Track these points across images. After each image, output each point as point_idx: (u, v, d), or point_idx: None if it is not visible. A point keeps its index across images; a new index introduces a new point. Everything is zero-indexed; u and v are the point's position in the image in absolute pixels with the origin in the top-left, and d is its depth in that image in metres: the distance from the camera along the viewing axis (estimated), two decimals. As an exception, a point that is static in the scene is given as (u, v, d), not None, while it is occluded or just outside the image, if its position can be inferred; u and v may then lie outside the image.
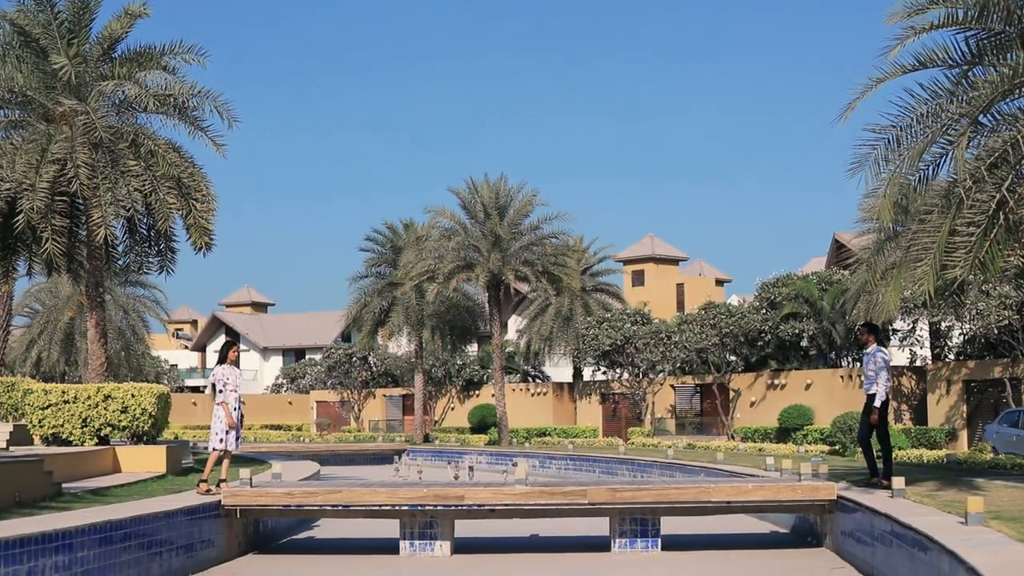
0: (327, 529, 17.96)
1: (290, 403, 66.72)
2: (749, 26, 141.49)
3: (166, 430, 42.30)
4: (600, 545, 15.07)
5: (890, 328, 39.19)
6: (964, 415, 35.92)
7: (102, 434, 20.24)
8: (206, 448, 28.56)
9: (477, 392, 56.25)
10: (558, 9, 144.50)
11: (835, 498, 14.32)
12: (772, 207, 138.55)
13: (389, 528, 15.43)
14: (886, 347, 40.18)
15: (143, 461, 19.72)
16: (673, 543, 15.05)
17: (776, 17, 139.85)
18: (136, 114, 23.75)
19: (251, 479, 15.14)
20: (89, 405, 20.15)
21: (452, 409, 57.31)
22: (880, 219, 13.73)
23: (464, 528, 15.81)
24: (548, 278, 43.96)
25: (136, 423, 20.29)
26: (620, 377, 48.63)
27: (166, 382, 65.61)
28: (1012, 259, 13.83)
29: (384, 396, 61.67)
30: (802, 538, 16.01)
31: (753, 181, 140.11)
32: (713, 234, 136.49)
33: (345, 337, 69.53)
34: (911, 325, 38.94)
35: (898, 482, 13.34)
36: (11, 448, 19.98)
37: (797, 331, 41.92)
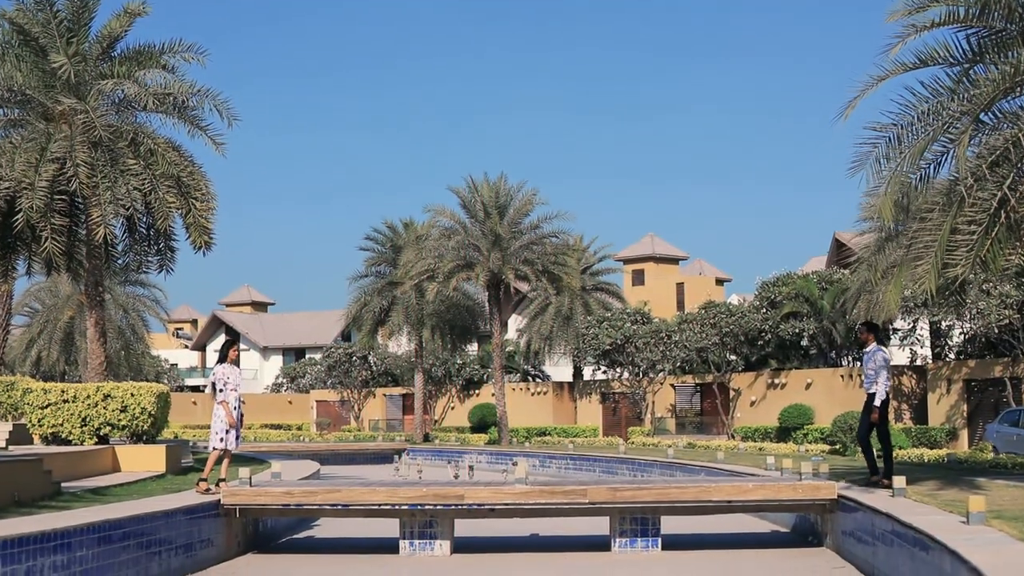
0: (327, 528, 17.92)
1: (290, 402, 66.70)
2: (749, 26, 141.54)
3: (166, 429, 42.31)
4: (600, 544, 15.04)
5: (890, 327, 39.16)
6: (964, 414, 35.88)
7: (101, 433, 20.22)
8: (206, 447, 28.54)
9: (477, 391, 56.22)
10: (558, 9, 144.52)
11: (836, 497, 14.29)
12: (772, 207, 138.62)
13: (389, 527, 15.40)
14: (886, 346, 40.23)
15: (142, 460, 19.70)
16: (673, 542, 15.02)
17: (776, 17, 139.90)
18: (135, 113, 23.72)
19: (250, 478, 15.10)
20: (88, 404, 20.13)
21: (452, 408, 57.29)
22: (881, 217, 13.69)
23: (464, 527, 15.78)
24: (548, 277, 43.92)
25: (135, 422, 20.27)
26: (620, 376, 48.60)
27: (166, 381, 65.57)
28: (1013, 258, 13.79)
29: (384, 395, 61.65)
30: (803, 537, 15.98)
31: (753, 181, 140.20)
32: (713, 233, 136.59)
33: (345, 336, 69.52)
34: (911, 324, 38.91)
35: (899, 481, 13.31)
36: (10, 447, 19.97)
37: (797, 330, 41.89)
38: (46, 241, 21.72)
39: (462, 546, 15.18)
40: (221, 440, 14.73)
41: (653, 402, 47.63)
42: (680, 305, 64.83)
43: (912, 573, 10.55)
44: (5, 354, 43.54)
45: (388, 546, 15.07)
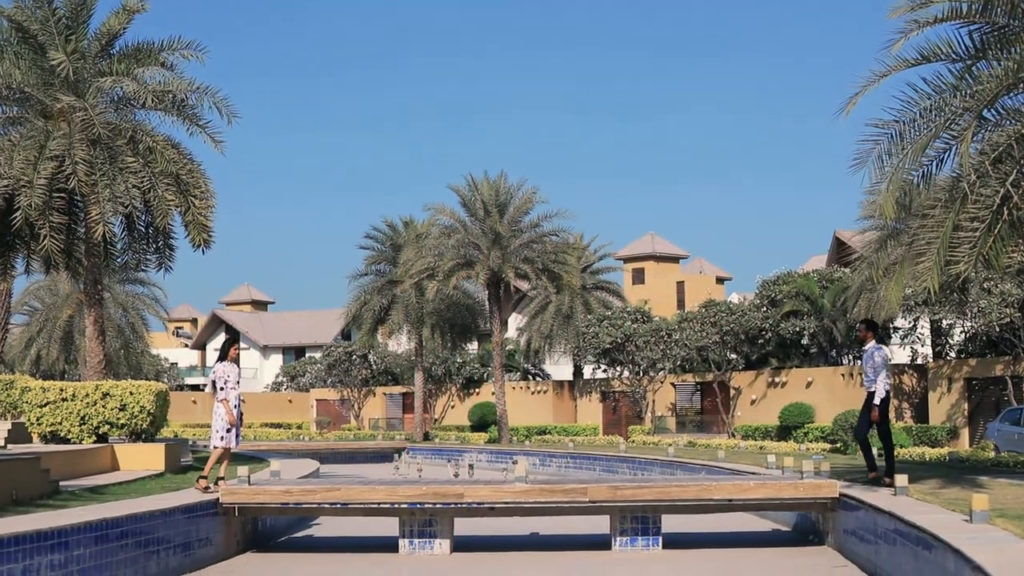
0: (326, 527, 17.86)
1: (290, 401, 66.65)
2: (749, 26, 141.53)
3: (166, 428, 42.25)
4: (601, 543, 14.98)
5: (891, 326, 39.10)
6: (965, 413, 35.83)
7: (100, 432, 20.16)
8: (205, 446, 28.50)
9: (477, 390, 56.17)
10: (558, 9, 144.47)
11: (837, 496, 14.23)
12: (772, 206, 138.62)
13: (388, 526, 15.33)
14: (887, 344, 40.17)
15: (141, 459, 19.63)
16: (674, 541, 14.95)
17: (776, 17, 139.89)
18: (134, 110, 23.67)
19: (249, 477, 15.04)
20: (87, 403, 20.07)
21: (452, 407, 57.24)
22: (883, 214, 13.61)
23: (464, 526, 15.71)
24: (548, 276, 43.84)
25: (134, 421, 20.21)
26: (620, 375, 48.54)
27: (166, 380, 65.52)
28: (1016, 255, 13.73)
29: (384, 394, 61.60)
30: (804, 536, 15.91)
31: (753, 180, 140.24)
32: (713, 232, 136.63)
33: (345, 335, 69.46)
34: (912, 323, 38.84)
35: (901, 480, 13.25)
36: (9, 446, 19.90)
37: (798, 329, 41.83)
38: (45, 239, 21.66)
39: (462, 545, 15.12)
40: (222, 439, 14.67)
41: (653, 401, 47.58)
42: (680, 304, 64.80)
43: (915, 572, 10.49)
44: (4, 353, 43.48)
45: (388, 545, 15.00)
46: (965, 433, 35.46)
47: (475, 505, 14.64)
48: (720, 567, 13.78)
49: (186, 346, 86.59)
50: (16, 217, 21.28)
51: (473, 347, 57.88)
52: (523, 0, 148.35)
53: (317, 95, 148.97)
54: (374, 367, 62.06)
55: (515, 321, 57.67)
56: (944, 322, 37.75)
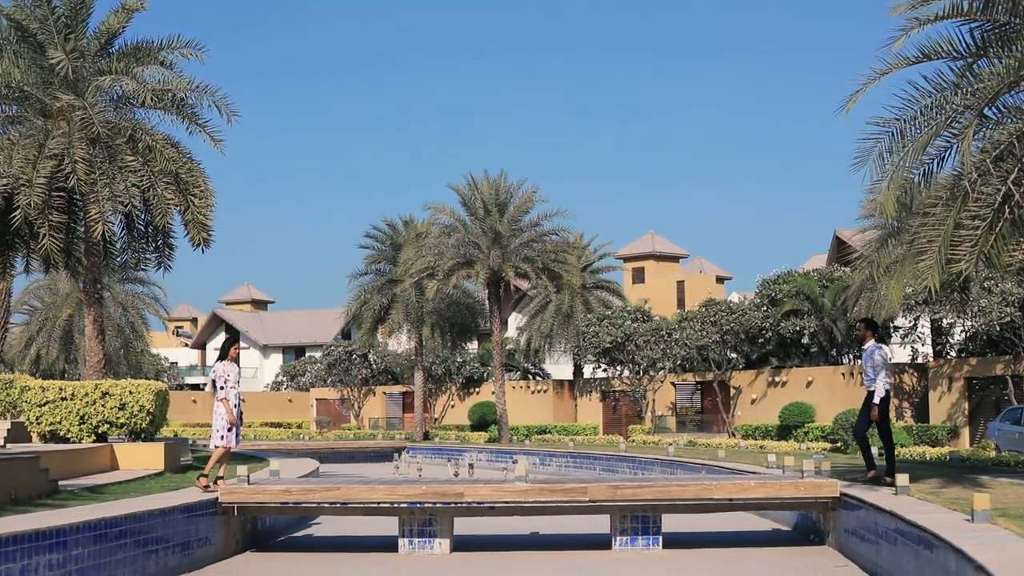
0: (326, 527, 17.83)
1: (290, 401, 66.62)
2: (749, 26, 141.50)
3: (166, 428, 42.16)
4: (601, 543, 14.94)
5: (891, 325, 39.07)
6: (966, 412, 35.80)
7: (100, 431, 20.12)
8: (205, 446, 28.46)
9: (477, 389, 56.14)
10: (558, 9, 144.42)
11: (838, 495, 14.19)
12: (772, 205, 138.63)
13: (388, 526, 15.30)
14: (887, 343, 40.14)
15: (141, 458, 19.59)
16: (674, 541, 14.91)
17: (776, 17, 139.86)
18: (134, 109, 23.63)
19: (248, 476, 15.01)
20: (87, 402, 20.03)
21: (452, 407, 57.21)
22: (883, 213, 13.58)
23: (464, 526, 15.68)
24: (548, 275, 43.80)
25: (134, 420, 20.17)
26: (620, 374, 48.51)
27: (166, 380, 65.47)
28: (1017, 254, 13.69)
29: (384, 393, 61.57)
30: (804, 536, 15.88)
31: (753, 180, 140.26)
32: (713, 232, 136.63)
33: (345, 334, 69.43)
34: (913, 322, 38.81)
35: (902, 479, 13.21)
36: (8, 445, 19.85)
37: (798, 328, 41.79)
38: (44, 238, 21.63)
39: (462, 544, 15.08)
40: (222, 438, 14.64)
41: (653, 400, 47.54)
42: (680, 303, 64.78)
43: (916, 572, 10.45)
44: (4, 352, 43.42)
45: (387, 544, 14.97)
46: (965, 432, 35.43)
47: (475, 504, 14.60)
48: (720, 567, 13.74)
49: (186, 345, 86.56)
50: (15, 216, 21.25)
51: (473, 346, 57.84)
52: (523, 0, 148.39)
53: (317, 95, 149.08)
54: (374, 366, 62.03)
55: (515, 320, 57.63)
56: (944, 321, 37.72)
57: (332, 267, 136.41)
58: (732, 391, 44.38)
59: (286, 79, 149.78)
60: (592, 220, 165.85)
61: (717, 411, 45.05)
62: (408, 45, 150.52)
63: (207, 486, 14.57)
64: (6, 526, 10.16)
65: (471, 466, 30.96)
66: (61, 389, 20.25)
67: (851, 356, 41.99)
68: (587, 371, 53.49)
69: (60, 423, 19.99)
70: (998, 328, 34.11)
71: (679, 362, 45.95)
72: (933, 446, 30.73)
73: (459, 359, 56.56)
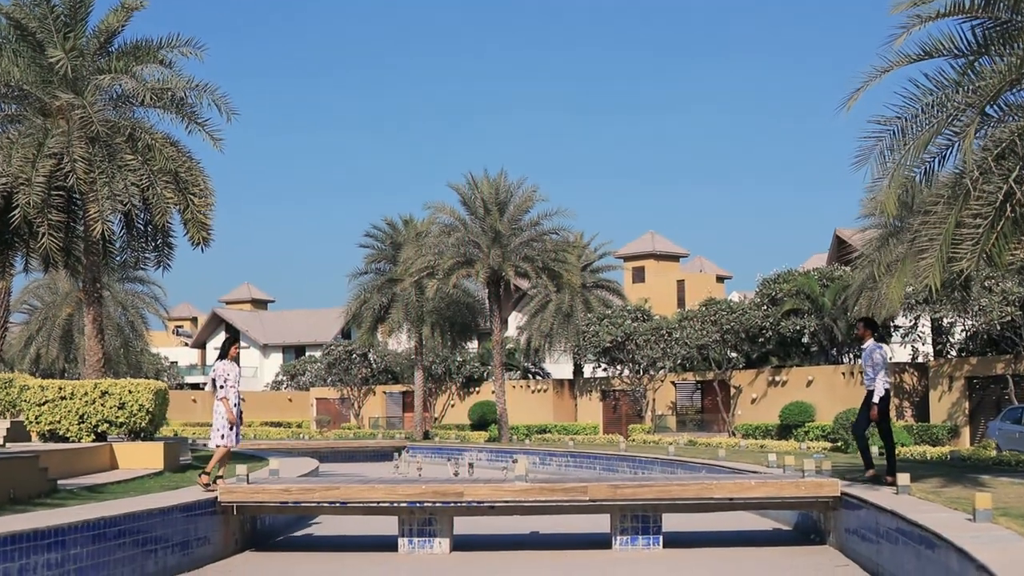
0: (325, 526, 17.79)
1: (290, 400, 66.60)
2: (749, 26, 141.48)
3: (166, 427, 42.08)
4: (601, 542, 14.90)
5: (892, 324, 39.04)
6: (966, 412, 35.77)
7: (99, 430, 20.07)
8: (205, 445, 28.41)
9: (477, 389, 56.10)
10: (558, 9, 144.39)
11: (839, 495, 14.15)
12: (772, 205, 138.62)
13: (388, 525, 15.26)
14: (887, 342, 40.12)
15: (140, 458, 19.55)
16: (675, 540, 14.87)
17: (776, 17, 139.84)
18: (133, 108, 23.58)
19: (248, 476, 14.97)
20: (86, 401, 19.99)
21: (452, 406, 57.18)
22: (884, 212, 13.54)
23: (463, 525, 15.64)
24: (548, 274, 43.76)
25: (133, 419, 20.13)
26: (621, 374, 48.48)
27: (166, 379, 65.43)
28: (1019, 252, 13.65)
29: (384, 393, 61.53)
30: (805, 535, 15.84)
31: (753, 180, 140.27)
32: (714, 232, 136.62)
33: (345, 334, 69.38)
34: (913, 321, 38.78)
35: (903, 478, 13.17)
36: (8, 445, 19.80)
37: (798, 327, 41.76)
38: (43, 237, 21.59)
39: (461, 544, 15.05)
40: (223, 437, 14.60)
41: (654, 399, 47.51)
42: (680, 302, 64.74)
43: (918, 571, 10.41)
44: (4, 351, 43.36)
45: (387, 544, 14.93)
46: (966, 432, 35.40)
47: (475, 504, 14.56)
48: (721, 566, 13.70)
49: (186, 345, 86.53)
50: (15, 215, 21.21)
51: (473, 346, 57.82)
52: (523, 0, 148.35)
53: (317, 95, 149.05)
54: (374, 366, 61.99)
55: (515, 320, 57.58)
56: (945, 320, 37.70)
57: (332, 267, 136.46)
58: (732, 390, 44.35)
59: (286, 79, 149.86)
60: (592, 220, 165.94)
61: (717, 410, 45.02)
62: (408, 45, 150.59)
63: (208, 484, 14.54)
64: (4, 526, 10.12)
65: (471, 465, 30.93)
66: (60, 388, 20.20)
67: (851, 355, 41.96)
68: (587, 370, 53.44)
69: (59, 422, 19.95)
70: (999, 327, 34.09)
71: (679, 361, 45.93)
72: (934, 445, 30.71)
73: (459, 358, 56.52)
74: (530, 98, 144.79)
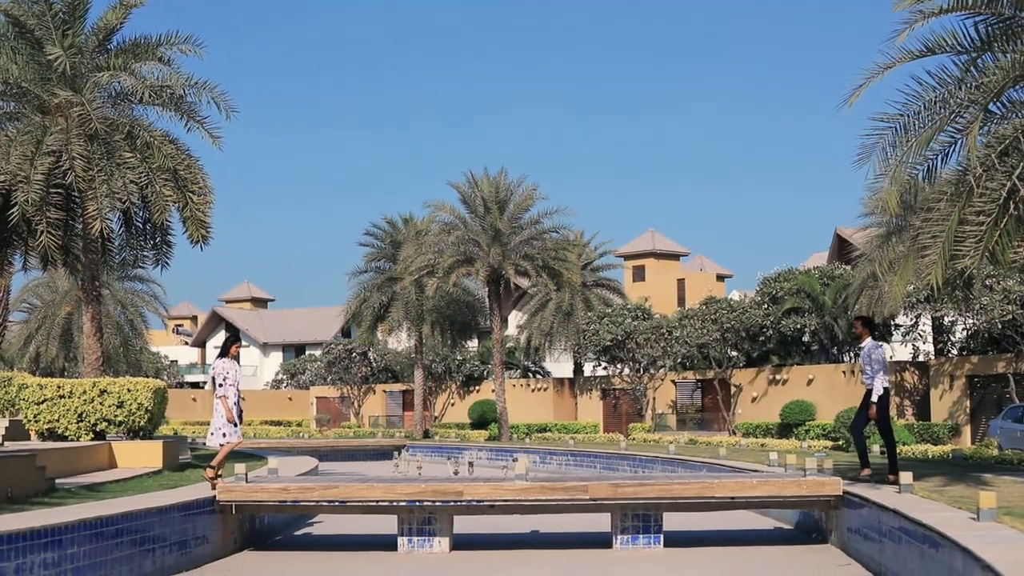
0: (325, 525, 17.72)
1: (290, 399, 66.53)
2: (749, 26, 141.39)
3: (166, 426, 41.95)
4: (602, 541, 14.83)
5: (893, 323, 38.97)
6: (967, 410, 35.70)
7: (98, 429, 20.02)
8: (204, 444, 28.34)
9: (477, 388, 56.02)
10: (558, 9, 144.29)
11: (841, 494, 14.08)
12: (772, 204, 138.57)
13: (387, 524, 15.19)
14: (888, 341, 40.05)
15: (139, 456, 19.50)
16: (676, 539, 14.80)
17: (776, 17, 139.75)
18: (132, 106, 23.55)
19: (246, 474, 14.90)
20: (85, 400, 19.93)
21: (452, 405, 57.11)
22: (886, 208, 13.46)
23: (463, 524, 15.57)
24: (548, 273, 43.68)
25: (132, 418, 20.07)
26: (621, 372, 48.41)
27: (165, 378, 65.37)
28: (1022, 250, 13.57)
29: (384, 392, 61.46)
30: (807, 534, 15.78)
31: (753, 180, 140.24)
32: (714, 231, 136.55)
33: (345, 333, 69.31)
34: (914, 320, 38.71)
35: (905, 477, 13.09)
36: (6, 443, 19.74)
37: (799, 326, 41.68)
38: (42, 235, 21.54)
39: (461, 543, 14.98)
40: (224, 435, 14.53)
41: (654, 398, 47.45)
42: (681, 301, 64.67)
43: (921, 571, 10.34)
44: (3, 350, 43.29)
45: (386, 543, 14.86)
46: (967, 431, 35.33)
47: (475, 503, 14.49)
48: (722, 566, 13.63)
49: (186, 344, 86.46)
50: (13, 213, 21.16)
51: (473, 344, 57.74)
52: (523, 0, 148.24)
53: (317, 95, 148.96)
54: (374, 364, 61.91)
55: (515, 318, 57.51)
56: (946, 319, 37.62)
57: (332, 266, 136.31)
58: (733, 389, 44.28)
59: (286, 79, 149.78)
60: (592, 220, 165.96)
61: (718, 409, 44.95)
62: (408, 45, 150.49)
63: (214, 478, 14.51)
64: (1, 525, 10.05)
65: (471, 464, 30.85)
66: (59, 387, 20.14)
67: (852, 354, 41.89)
68: (587, 369, 53.35)
69: (58, 421, 19.90)
70: (1000, 326, 34.01)
71: (680, 360, 45.85)
72: (935, 444, 30.63)
73: (459, 357, 56.44)
74: (530, 98, 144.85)
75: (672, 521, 15.18)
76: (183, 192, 22.67)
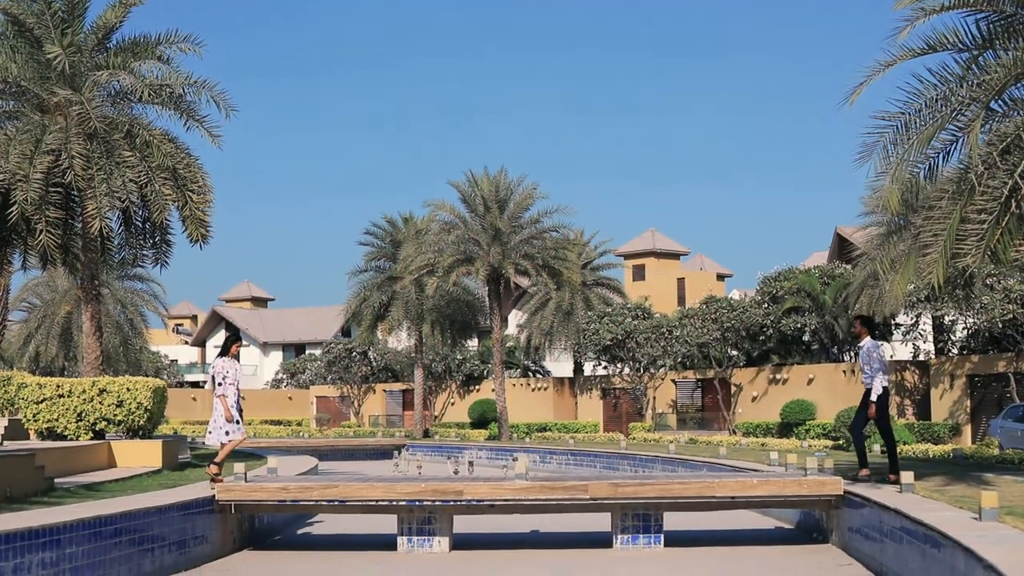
0: (325, 525, 17.69)
1: (290, 398, 66.49)
2: (749, 26, 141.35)
3: (166, 425, 41.87)
4: (602, 541, 14.80)
5: (893, 322, 38.92)
6: (968, 410, 35.65)
7: (97, 428, 19.98)
8: (203, 444, 28.30)
9: (477, 387, 55.98)
10: (558, 9, 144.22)
11: (842, 493, 14.04)
12: (772, 204, 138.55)
13: (387, 524, 15.15)
14: (888, 340, 39.99)
15: (139, 456, 19.46)
16: (676, 539, 14.76)
17: (776, 17, 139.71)
18: (131, 104, 23.51)
19: (246, 474, 14.86)
20: (84, 399, 19.89)
21: (452, 404, 57.07)
22: (888, 207, 13.43)
23: (463, 524, 15.53)
24: (548, 272, 43.63)
25: (131, 417, 20.03)
26: (621, 372, 48.36)
27: (165, 377, 65.32)
28: (1023, 249, 13.52)
29: (384, 391, 61.43)
30: (807, 534, 15.74)
31: (753, 180, 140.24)
32: (714, 230, 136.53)
33: (345, 332, 69.26)
34: (914, 319, 38.66)
35: (907, 477, 13.05)
36: (5, 443, 19.70)
37: (799, 325, 41.64)
38: (41, 234, 21.50)
39: (461, 543, 14.94)
40: (227, 434, 14.51)
41: (654, 398, 47.41)
42: (681, 300, 64.65)
43: (923, 571, 10.30)
44: (3, 349, 43.25)
45: (386, 543, 14.83)
46: (967, 430, 35.29)
47: (475, 502, 14.45)
48: (723, 565, 13.59)
49: (186, 343, 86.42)
50: (12, 212, 21.13)
51: (473, 344, 57.69)
52: (523, 0, 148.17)
53: (317, 95, 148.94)
54: (374, 364, 61.87)
55: (515, 318, 57.46)
56: (946, 318, 37.58)
57: (332, 265, 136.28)
58: (733, 388, 44.24)
59: (286, 79, 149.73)
60: (592, 220, 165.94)
61: (718, 408, 44.91)
62: (408, 45, 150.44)
63: (217, 475, 14.48)
64: (-1, 524, 10.02)
65: (471, 464, 30.82)
66: (58, 386, 20.11)
67: (852, 353, 41.85)
68: (587, 368, 53.30)
69: (57, 420, 19.86)
70: (1000, 325, 33.96)
71: (680, 359, 45.79)
72: (935, 443, 30.59)
73: (459, 356, 56.40)
74: (530, 98, 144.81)
75: (672, 521, 15.14)
76: (182, 191, 22.64)
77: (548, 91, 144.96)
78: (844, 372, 39.89)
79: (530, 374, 57.65)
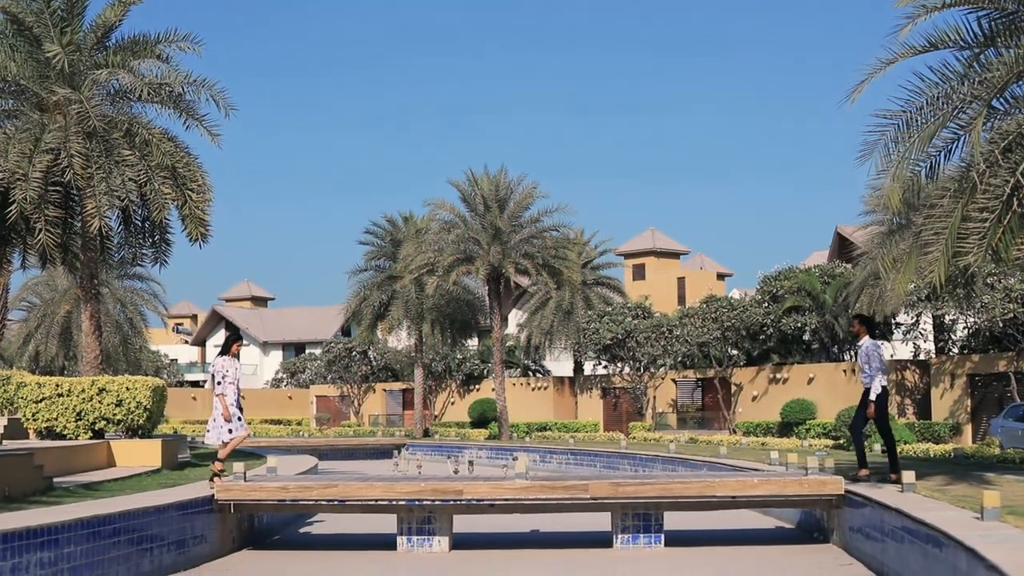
0: (324, 524, 17.65)
1: (290, 398, 66.46)
2: (749, 26, 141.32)
3: (166, 424, 41.82)
4: (602, 541, 14.76)
5: (893, 321, 38.87)
6: (968, 409, 35.61)
7: (96, 428, 19.95)
8: (203, 443, 28.28)
9: (477, 386, 55.95)
10: (558, 9, 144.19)
11: (843, 493, 13.99)
12: (772, 204, 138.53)
13: (387, 523, 15.11)
14: (889, 339, 39.94)
15: (138, 455, 19.42)
16: (676, 539, 14.72)
17: (776, 17, 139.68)
18: (130, 103, 23.48)
19: (245, 473, 14.82)
20: (83, 398, 19.86)
21: (452, 403, 57.04)
22: (889, 205, 13.39)
23: (463, 523, 15.50)
24: (548, 271, 43.59)
25: (131, 416, 20.00)
26: (621, 371, 48.32)
27: (165, 376, 65.28)
28: (1025, 247, 13.48)
29: (384, 390, 61.40)
30: (808, 534, 15.70)
31: (753, 180, 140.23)
32: (714, 230, 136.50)
33: (345, 331, 69.23)
34: (915, 319, 38.62)
35: (908, 476, 13.00)
36: (4, 442, 19.66)
37: (799, 324, 41.60)
38: (40, 233, 21.47)
39: (461, 542, 14.90)
40: (230, 432, 14.48)
41: (654, 397, 47.37)
42: (681, 299, 64.62)
43: (924, 571, 10.26)
44: (3, 349, 43.21)
45: (386, 542, 14.79)
46: (968, 429, 35.25)
47: (474, 502, 14.41)
48: (723, 565, 13.56)
49: (186, 342, 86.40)
50: (11, 211, 21.09)
51: (473, 343, 57.66)
52: (523, 0, 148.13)
53: (317, 95, 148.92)
54: (374, 363, 61.84)
55: (515, 317, 57.42)
56: (947, 318, 37.53)
57: (332, 265, 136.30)
58: (733, 388, 44.20)
59: (286, 79, 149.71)
60: (593, 219, 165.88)
61: (718, 408, 44.87)
62: (408, 45, 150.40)
63: (220, 472, 14.44)
64: (-3, 524, 9.98)
65: (471, 463, 30.78)
66: (58, 385, 20.07)
67: (852, 353, 41.80)
68: (587, 368, 53.25)
69: (56, 419, 19.82)
70: (1001, 324, 33.92)
71: (680, 359, 45.75)
72: (936, 443, 30.55)
73: (459, 356, 56.36)
74: (530, 98, 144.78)
75: (673, 520, 15.11)
76: (182, 190, 22.60)
77: (548, 91, 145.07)
78: (844, 371, 39.85)
79: (530, 373, 57.61)
